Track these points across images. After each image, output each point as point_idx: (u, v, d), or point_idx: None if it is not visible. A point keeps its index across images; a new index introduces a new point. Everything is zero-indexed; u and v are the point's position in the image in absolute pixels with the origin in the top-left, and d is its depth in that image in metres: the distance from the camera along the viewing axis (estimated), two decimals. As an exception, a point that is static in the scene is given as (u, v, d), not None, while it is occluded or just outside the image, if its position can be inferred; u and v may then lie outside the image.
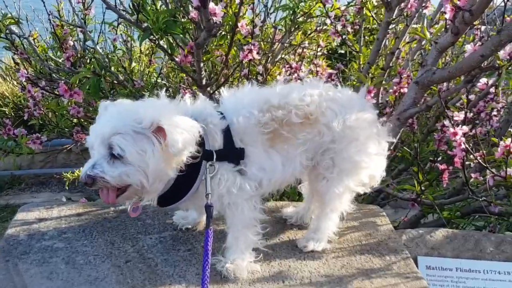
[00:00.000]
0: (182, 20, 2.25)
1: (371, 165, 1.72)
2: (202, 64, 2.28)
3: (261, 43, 3.04)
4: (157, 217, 1.93)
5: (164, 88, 2.98)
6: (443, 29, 2.27)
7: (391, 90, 2.55)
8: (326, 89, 1.67)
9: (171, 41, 2.19)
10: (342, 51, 5.84)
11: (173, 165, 1.45)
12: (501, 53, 1.95)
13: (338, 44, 3.80)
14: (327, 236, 1.77)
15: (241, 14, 2.46)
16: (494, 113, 2.95)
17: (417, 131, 3.04)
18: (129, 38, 3.36)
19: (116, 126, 1.38)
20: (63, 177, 3.24)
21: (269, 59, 3.17)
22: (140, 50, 3.50)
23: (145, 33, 2.05)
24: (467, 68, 1.98)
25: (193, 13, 2.21)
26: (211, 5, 1.94)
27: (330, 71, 2.87)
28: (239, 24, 2.17)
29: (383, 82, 2.67)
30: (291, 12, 3.15)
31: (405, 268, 1.67)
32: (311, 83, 1.77)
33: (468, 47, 2.02)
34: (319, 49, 3.34)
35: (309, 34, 3.30)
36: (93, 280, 1.53)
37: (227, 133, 1.56)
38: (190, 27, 2.23)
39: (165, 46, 2.24)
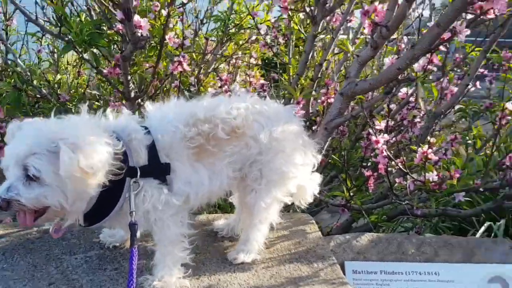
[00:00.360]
0: (108, 32, 2.21)
1: (298, 175, 1.77)
2: (129, 77, 2.24)
3: (193, 54, 3.05)
4: (83, 236, 1.87)
5: (94, 100, 2.91)
6: (363, 43, 2.40)
7: (319, 101, 2.64)
8: (253, 102, 1.70)
9: (96, 53, 2.14)
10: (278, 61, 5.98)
11: (92, 184, 1.40)
12: (416, 66, 2.09)
13: (274, 54, 3.91)
14: (256, 247, 1.79)
15: (170, 26, 2.46)
16: (418, 120, 3.16)
17: (346, 139, 3.16)
18: (55, 49, 3.24)
19: (31, 146, 1.32)
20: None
21: (202, 70, 3.18)
22: (67, 61, 3.37)
23: (67, 45, 1.98)
24: (385, 80, 2.10)
25: (119, 25, 2.17)
26: (136, 17, 1.92)
27: (262, 81, 2.93)
28: (166, 37, 2.16)
29: (313, 92, 2.77)
30: (222, 23, 3.19)
31: (331, 274, 1.73)
32: (238, 96, 1.79)
33: (386, 60, 2.14)
34: (252, 59, 3.39)
35: (242, 45, 3.34)
36: (11, 307, 1.45)
37: (152, 148, 1.54)
38: (118, 39, 2.18)
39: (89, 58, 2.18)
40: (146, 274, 1.62)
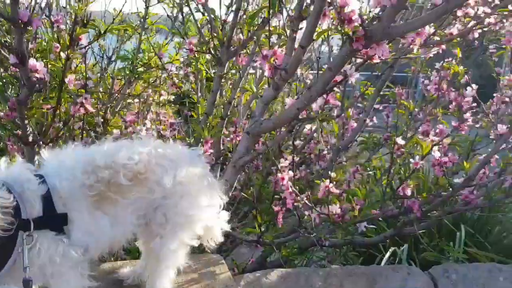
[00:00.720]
0: (2, 74, 2.10)
1: (204, 217, 1.77)
2: (26, 121, 2.13)
3: (99, 94, 2.98)
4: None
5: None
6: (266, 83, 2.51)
7: (228, 139, 2.70)
8: (155, 146, 1.70)
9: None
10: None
11: None
12: (314, 106, 2.23)
13: (182, 93, 3.93)
14: (163, 293, 1.75)
15: (72, 67, 2.39)
16: (325, 152, 3.33)
17: (257, 174, 3.23)
18: None
19: None
20: None
21: (109, 109, 3.10)
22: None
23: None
24: (287, 119, 2.20)
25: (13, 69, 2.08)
26: (32, 61, 1.85)
27: (171, 121, 2.93)
28: (66, 80, 2.10)
29: (224, 130, 2.82)
30: (130, 62, 3.17)
31: (240, 315, 1.73)
32: (141, 140, 1.78)
33: (287, 101, 2.26)
34: (162, 97, 3.38)
35: (151, 83, 3.33)
36: None
37: (47, 198, 1.47)
38: (10, 83, 2.08)
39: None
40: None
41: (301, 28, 2.09)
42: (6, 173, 1.47)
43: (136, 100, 3.42)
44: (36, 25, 1.75)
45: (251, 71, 3.19)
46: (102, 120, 2.90)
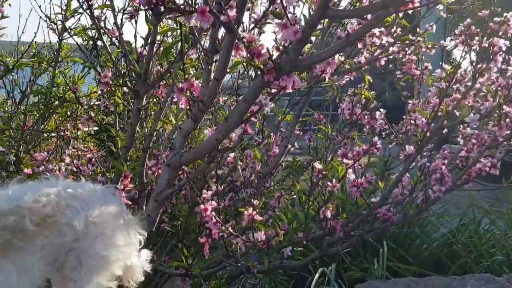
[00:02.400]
0: None
1: (122, 257, 1.71)
2: None
3: (10, 131, 2.82)
4: None
5: None
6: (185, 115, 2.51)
7: (149, 172, 2.65)
8: (64, 186, 1.62)
9: None
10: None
11: None
12: (233, 136, 2.26)
13: (100, 127, 3.83)
14: None
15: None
16: (253, 179, 3.36)
17: (183, 205, 3.19)
18: None
19: None
20: None
21: (22, 147, 2.94)
22: None
23: None
24: (207, 150, 2.21)
25: None
26: None
27: (89, 155, 2.83)
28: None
29: (146, 162, 2.76)
30: (44, 97, 3.04)
31: None
32: (48, 181, 1.69)
33: (206, 132, 2.27)
34: (79, 132, 3.26)
35: (67, 118, 3.21)
36: None
37: None
38: None
39: None
40: None
41: (216, 61, 2.13)
42: None
43: (54, 135, 3.28)
44: None
45: (172, 101, 3.18)
46: (14, 158, 2.73)
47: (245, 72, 3.18)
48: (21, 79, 3.34)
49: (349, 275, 3.12)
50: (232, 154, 3.03)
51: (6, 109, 2.93)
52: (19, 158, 2.81)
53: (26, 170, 2.40)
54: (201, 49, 2.18)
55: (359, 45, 2.72)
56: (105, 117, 3.41)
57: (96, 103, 3.19)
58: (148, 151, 2.83)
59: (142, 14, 2.54)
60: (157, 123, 2.88)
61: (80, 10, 2.86)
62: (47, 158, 2.50)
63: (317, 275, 3.03)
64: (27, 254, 1.48)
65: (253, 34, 1.84)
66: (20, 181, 1.65)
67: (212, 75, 2.10)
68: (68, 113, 3.27)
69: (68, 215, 1.56)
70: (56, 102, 3.02)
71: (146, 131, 2.83)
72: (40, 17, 3.01)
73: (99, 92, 3.14)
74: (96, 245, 1.62)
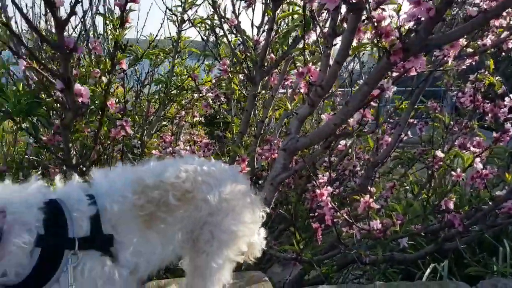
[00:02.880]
0: (47, 100, 2.18)
1: (248, 234, 1.78)
2: (70, 144, 2.20)
3: (136, 117, 3.05)
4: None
5: (32, 168, 2.80)
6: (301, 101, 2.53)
7: (263, 157, 2.71)
8: (200, 164, 1.72)
9: (35, 122, 2.10)
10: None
11: None
12: (351, 121, 2.23)
13: (216, 113, 3.99)
14: (211, 310, 1.75)
15: (111, 91, 2.46)
16: (358, 169, 3.31)
17: (292, 192, 3.23)
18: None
19: None
20: None
21: (145, 132, 3.18)
22: (3, 129, 3.25)
23: (3, 116, 1.94)
24: (324, 135, 2.21)
25: (58, 93, 2.16)
26: (77, 86, 1.92)
27: (206, 141, 2.97)
28: (108, 103, 2.17)
29: (257, 149, 2.84)
30: (164, 85, 3.25)
31: (287, 333, 1.71)
32: (184, 158, 1.80)
33: (323, 117, 2.27)
34: (195, 119, 3.44)
35: (184, 106, 3.40)
36: None
37: (95, 219, 1.48)
38: (54, 107, 2.16)
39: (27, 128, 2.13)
40: None
41: (335, 44, 2.12)
42: (60, 192, 1.52)
43: (169, 122, 3.49)
44: (80, 52, 1.82)
45: (281, 90, 3.22)
46: (139, 142, 2.96)
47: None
48: (140, 71, 3.62)
49: (467, 272, 2.94)
50: (342, 142, 3.00)
51: (132, 96, 3.18)
52: (143, 142, 3.04)
53: (154, 151, 2.60)
54: (320, 33, 2.18)
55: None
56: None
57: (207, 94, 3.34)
58: (259, 137, 2.91)
59: (258, 3, 2.61)
60: (268, 110, 2.94)
61: (198, 2, 3.01)
62: (171, 141, 2.66)
63: (428, 270, 2.90)
64: (169, 226, 1.59)
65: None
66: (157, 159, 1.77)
67: (331, 60, 2.09)
68: (183, 102, 3.46)
69: (204, 191, 1.65)
70: (175, 91, 3.22)
71: (258, 118, 2.90)
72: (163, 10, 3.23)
73: (213, 81, 3.28)
74: (227, 220, 1.70)
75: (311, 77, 2.11)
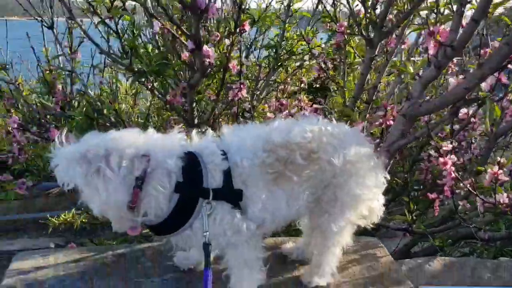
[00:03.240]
0: (174, 62, 2.29)
1: (371, 197, 1.75)
2: (194, 104, 2.31)
3: (247, 81, 3.11)
4: (157, 259, 1.90)
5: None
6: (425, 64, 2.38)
7: (376, 123, 2.62)
8: (324, 125, 1.70)
9: (163, 82, 2.22)
10: (317, 85, 5.99)
11: None
12: (483, 85, 2.06)
13: (313, 79, 3.93)
14: (329, 270, 1.77)
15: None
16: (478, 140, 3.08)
17: (404, 162, 3.10)
18: (114, 80, 3.38)
19: None
20: (49, 222, 3.17)
21: (255, 96, 3.23)
22: (126, 91, 3.51)
23: (139, 75, 2.07)
24: (452, 100, 2.07)
25: (184, 55, 2.25)
26: (205, 47, 1.99)
27: (316, 106, 2.94)
28: (230, 64, 2.22)
29: (367, 115, 2.76)
30: (274, 50, 3.25)
31: (410, 299, 1.68)
32: (308, 119, 1.80)
33: (452, 80, 2.12)
34: (302, 85, 3.43)
35: (293, 71, 3.39)
36: (97, 329, 1.48)
37: (227, 174, 1.56)
38: (181, 68, 2.27)
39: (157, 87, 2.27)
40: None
41: (469, 1, 1.95)
42: (197, 145, 1.61)
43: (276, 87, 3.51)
44: (212, 12, 1.86)
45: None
46: (250, 106, 3.02)
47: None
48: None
49: None
50: (463, 110, 2.80)
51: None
52: (253, 106, 3.09)
53: (269, 114, 2.64)
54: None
55: None
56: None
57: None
58: (371, 103, 2.81)
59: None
60: (382, 75, 2.83)
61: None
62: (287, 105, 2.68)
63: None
64: (295, 184, 1.62)
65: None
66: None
67: (462, 20, 1.94)
68: (294, 65, 3.43)
69: (329, 152, 1.64)
70: (285, 56, 3.22)
71: (371, 83, 2.80)
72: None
73: (323, 45, 3.22)
74: (350, 182, 1.68)
75: (440, 37, 1.98)
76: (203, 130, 1.95)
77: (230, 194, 1.56)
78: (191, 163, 1.54)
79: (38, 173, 3.05)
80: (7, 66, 2.68)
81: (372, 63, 2.64)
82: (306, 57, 3.43)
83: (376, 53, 2.56)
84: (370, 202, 1.78)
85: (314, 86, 5.82)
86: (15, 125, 2.44)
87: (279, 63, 3.28)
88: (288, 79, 3.57)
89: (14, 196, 2.74)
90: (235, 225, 1.55)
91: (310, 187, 1.64)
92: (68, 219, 3.21)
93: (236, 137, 1.66)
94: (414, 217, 2.57)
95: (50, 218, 3.18)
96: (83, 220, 2.98)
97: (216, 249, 1.79)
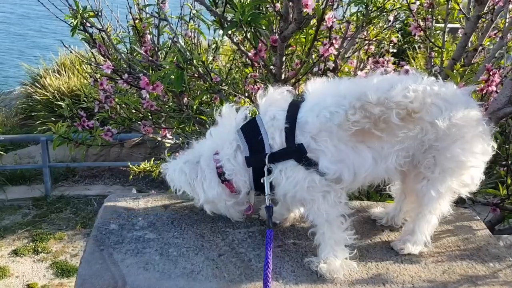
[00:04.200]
0: (266, 12, 2.21)
1: (476, 165, 1.62)
2: (284, 58, 2.23)
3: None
4: (243, 211, 1.90)
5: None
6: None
7: (477, 89, 2.42)
8: (430, 83, 1.57)
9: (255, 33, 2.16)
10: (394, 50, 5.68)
11: None
12: None
13: (426, 36, 3.67)
14: (424, 239, 1.68)
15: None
16: None
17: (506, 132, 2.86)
18: (195, 33, 3.36)
19: None
20: (130, 170, 3.31)
21: (340, 54, 3.09)
22: (208, 45, 3.49)
23: (231, 24, 2.02)
24: None
25: (278, 4, 2.17)
26: (304, -4, 1.89)
27: (407, 67, 2.76)
28: (326, 17, 2.11)
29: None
30: (363, 6, 3.06)
31: (512, 276, 1.56)
32: (412, 76, 1.67)
33: None
34: (391, 45, 3.23)
35: (383, 30, 3.20)
36: (189, 272, 1.51)
37: (288, 131, 1.55)
38: (274, 20, 2.18)
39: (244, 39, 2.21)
40: (310, 256, 1.60)
41: None
42: (263, 105, 1.63)
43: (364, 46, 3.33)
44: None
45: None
46: (333, 65, 2.89)
47: None
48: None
49: None
50: None
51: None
52: (337, 65, 2.96)
53: (359, 73, 2.51)
54: None
55: None
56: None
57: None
58: (469, 66, 2.60)
59: None
60: (484, 37, 2.59)
61: None
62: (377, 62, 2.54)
63: None
64: (386, 143, 1.52)
65: None
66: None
67: None
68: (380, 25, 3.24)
69: (433, 113, 1.52)
70: (374, 13, 3.02)
71: (474, 44, 2.57)
72: None
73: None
74: (454, 148, 1.55)
75: None
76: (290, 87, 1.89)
77: (290, 152, 1.54)
78: (253, 133, 1.59)
79: (122, 122, 3.15)
80: (98, 14, 2.72)
81: (479, 21, 2.41)
82: (391, 17, 3.23)
83: (485, 10, 2.33)
84: (474, 170, 1.64)
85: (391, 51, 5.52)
86: (109, 71, 2.49)
87: (368, 20, 3.08)
88: (375, 38, 3.38)
89: (104, 142, 2.85)
90: (303, 180, 1.53)
91: (406, 149, 1.54)
92: (148, 168, 3.33)
93: (317, 95, 1.60)
94: (510, 192, 2.39)
95: (131, 166, 3.32)
96: (161, 171, 3.08)
97: (296, 207, 1.78)
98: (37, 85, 8.58)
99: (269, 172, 1.57)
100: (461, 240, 1.77)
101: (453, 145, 1.56)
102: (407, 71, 2.76)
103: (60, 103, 7.79)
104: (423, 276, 1.54)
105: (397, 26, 3.74)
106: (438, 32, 4.37)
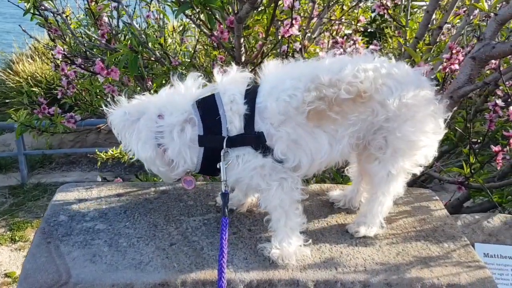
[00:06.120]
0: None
1: (428, 144, 1.60)
2: (242, 40, 2.17)
3: (299, 17, 2.90)
4: (199, 198, 1.87)
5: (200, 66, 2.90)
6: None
7: (440, 67, 2.40)
8: (381, 63, 1.54)
9: (210, 15, 2.09)
10: (371, 30, 5.63)
11: None
12: None
13: (368, 22, 3.63)
14: (379, 220, 1.67)
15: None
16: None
17: (467, 110, 2.86)
18: (161, 15, 3.28)
19: None
20: (97, 157, 3.23)
21: (306, 35, 3.03)
22: (173, 27, 3.41)
23: (184, 5, 1.95)
24: (532, 42, 1.83)
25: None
26: (255, -25, 1.83)
27: (372, 47, 2.72)
28: (281, -2, 2.05)
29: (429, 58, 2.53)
30: (329, -15, 3.01)
31: (465, 256, 1.56)
32: (364, 56, 1.64)
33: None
34: (358, 24, 3.18)
35: (349, 9, 3.15)
36: (137, 264, 1.47)
37: (248, 117, 1.49)
38: (229, 1, 2.12)
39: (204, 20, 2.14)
40: (264, 242, 1.58)
41: None
42: (221, 86, 1.55)
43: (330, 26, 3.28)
44: None
45: None
46: (300, 46, 2.84)
47: None
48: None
49: None
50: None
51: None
52: (303, 46, 2.91)
53: (321, 54, 2.46)
54: None
55: None
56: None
57: None
58: (434, 45, 2.57)
59: None
60: (449, 14, 2.56)
61: None
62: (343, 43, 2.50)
63: None
64: (340, 126, 1.49)
65: None
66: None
67: None
68: (345, 7, 3.19)
69: (383, 94, 1.49)
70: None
71: (437, 24, 2.54)
72: None
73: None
74: (405, 128, 1.53)
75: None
76: (251, 69, 1.85)
77: (249, 139, 1.49)
78: (210, 111, 1.51)
79: (86, 107, 3.07)
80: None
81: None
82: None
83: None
84: (427, 150, 1.62)
85: (368, 30, 5.48)
86: (59, 56, 2.41)
87: (335, 0, 3.03)
88: (343, 18, 3.33)
89: (63, 129, 2.76)
90: (261, 167, 1.49)
91: (358, 131, 1.51)
92: (116, 155, 3.26)
93: (274, 77, 1.55)
94: (473, 171, 2.40)
95: (98, 153, 3.25)
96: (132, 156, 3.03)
97: (252, 194, 1.75)
98: (10, 71, 8.36)
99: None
100: (418, 221, 1.76)
101: (403, 125, 1.53)
102: (372, 51, 2.74)
103: (34, 89, 7.62)
104: (376, 259, 1.54)
105: (369, 5, 3.67)
106: (416, 10, 4.34)
